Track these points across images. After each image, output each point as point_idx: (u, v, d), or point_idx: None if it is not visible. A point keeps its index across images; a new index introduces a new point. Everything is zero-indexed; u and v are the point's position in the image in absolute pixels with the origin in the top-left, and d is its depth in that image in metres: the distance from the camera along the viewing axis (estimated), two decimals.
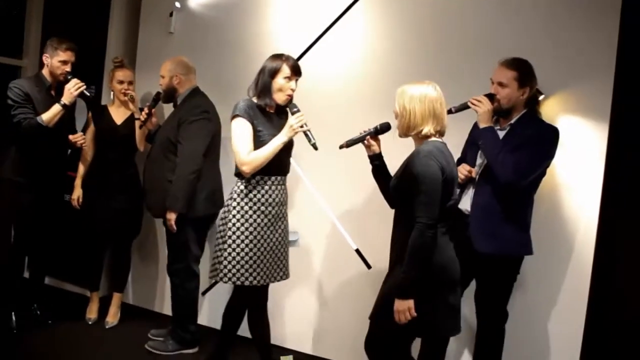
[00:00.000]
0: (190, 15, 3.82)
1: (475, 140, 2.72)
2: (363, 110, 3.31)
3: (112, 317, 3.72)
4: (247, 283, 2.75)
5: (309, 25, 3.49)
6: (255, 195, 2.75)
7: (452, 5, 3.15)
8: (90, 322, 3.70)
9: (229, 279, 2.75)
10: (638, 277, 3.03)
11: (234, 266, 2.74)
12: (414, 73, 3.13)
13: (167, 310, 3.63)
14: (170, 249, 3.37)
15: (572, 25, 2.89)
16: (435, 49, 3.17)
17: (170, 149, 3.24)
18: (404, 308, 2.27)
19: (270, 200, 2.78)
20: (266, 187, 2.77)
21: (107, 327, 3.66)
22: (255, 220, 2.74)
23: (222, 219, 2.84)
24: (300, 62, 3.43)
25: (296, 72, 2.77)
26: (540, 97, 2.88)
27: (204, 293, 3.76)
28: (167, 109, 3.58)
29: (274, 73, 2.74)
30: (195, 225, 3.32)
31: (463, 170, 2.71)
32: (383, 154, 2.62)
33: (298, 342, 3.55)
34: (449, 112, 2.65)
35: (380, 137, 2.61)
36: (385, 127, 2.57)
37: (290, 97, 2.77)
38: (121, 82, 3.55)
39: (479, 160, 2.75)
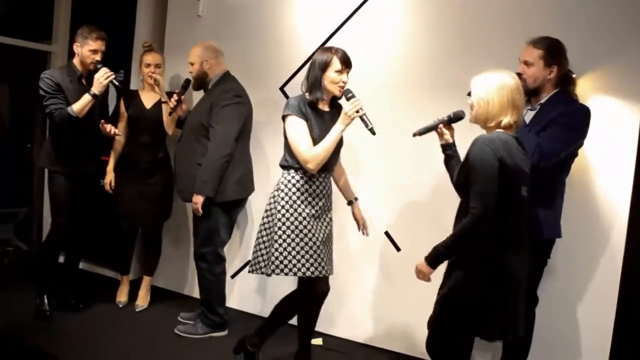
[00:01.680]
0: None
1: None
2: (395, 94, 3.28)
3: (142, 301, 3.75)
4: (299, 274, 2.71)
5: (340, 9, 3.44)
6: (302, 186, 2.72)
7: None
8: (120, 306, 3.73)
9: (281, 270, 2.69)
10: None
11: (285, 257, 2.69)
12: (448, 56, 3.15)
13: (197, 293, 3.64)
14: (199, 233, 3.36)
15: (604, 2, 2.82)
16: (469, 29, 3.12)
17: (203, 133, 3.23)
18: (426, 271, 2.29)
19: (317, 191, 2.75)
20: (313, 179, 2.74)
21: (137, 310, 3.69)
22: (304, 210, 2.71)
23: (267, 210, 2.80)
24: (331, 44, 3.40)
25: (347, 64, 2.69)
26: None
27: (233, 276, 3.77)
28: (197, 95, 3.57)
29: (325, 67, 2.66)
30: (226, 210, 3.32)
31: None
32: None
33: (327, 325, 3.53)
34: (469, 94, 2.63)
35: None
36: (458, 116, 2.50)
37: (342, 89, 2.70)
38: (148, 66, 3.55)
39: None
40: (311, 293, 2.85)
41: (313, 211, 2.73)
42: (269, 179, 3.59)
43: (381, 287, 3.38)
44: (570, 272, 2.92)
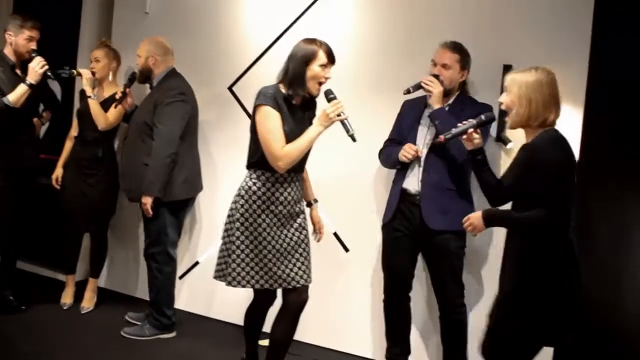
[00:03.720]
0: None
1: (432, 120, 2.77)
2: (344, 92, 3.25)
3: (88, 302, 3.67)
4: (257, 286, 2.56)
5: (289, 8, 3.43)
6: (264, 193, 2.52)
7: None
8: (65, 308, 3.65)
9: (238, 282, 2.54)
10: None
11: (243, 269, 2.53)
12: (395, 53, 3.18)
13: (144, 294, 3.60)
14: (148, 233, 3.33)
15: (546, 8, 2.90)
16: (415, 27, 3.16)
17: (147, 131, 3.19)
18: (478, 226, 2.26)
19: (281, 198, 2.55)
20: (277, 185, 2.54)
21: (82, 312, 3.62)
22: (263, 221, 2.53)
23: (228, 216, 2.63)
24: (280, 45, 3.42)
25: (332, 59, 2.52)
26: None
27: (181, 277, 3.73)
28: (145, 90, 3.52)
29: (309, 60, 2.47)
30: (173, 209, 3.29)
31: (410, 150, 2.78)
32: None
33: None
34: (407, 92, 2.79)
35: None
36: (490, 118, 2.39)
37: (320, 86, 2.54)
38: (90, 60, 3.54)
39: (422, 139, 2.82)
40: (260, 300, 2.77)
41: (275, 220, 2.55)
42: (215, 178, 3.58)
43: (328, 287, 3.38)
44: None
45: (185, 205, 3.41)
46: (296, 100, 2.55)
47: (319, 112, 2.59)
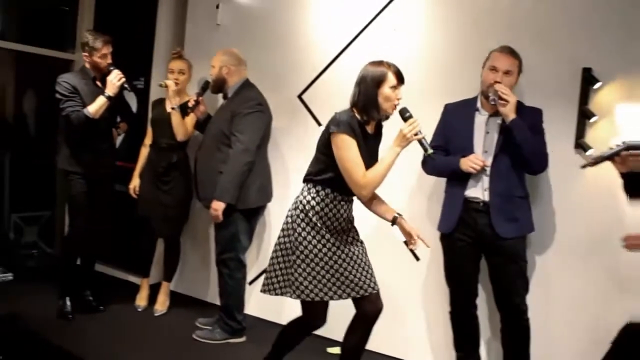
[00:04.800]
0: (237, 7, 3.85)
1: (511, 130, 2.65)
2: (414, 100, 3.23)
3: (161, 305, 3.79)
4: (336, 298, 2.53)
5: (357, 14, 3.44)
6: (322, 209, 2.52)
7: None
8: (139, 310, 3.78)
9: (307, 295, 2.50)
10: None
11: (310, 282, 2.50)
12: (466, 62, 3.09)
13: (215, 299, 3.67)
14: (220, 239, 3.39)
15: (626, 5, 2.76)
16: (488, 36, 3.04)
17: (223, 140, 3.26)
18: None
19: (337, 215, 2.55)
20: (335, 202, 2.54)
21: (155, 314, 3.74)
22: (326, 233, 2.52)
23: (284, 229, 2.60)
24: (348, 53, 3.45)
25: (401, 79, 2.48)
26: (597, 85, 2.80)
27: (250, 283, 3.79)
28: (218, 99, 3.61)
29: (379, 83, 2.44)
30: (246, 216, 3.35)
31: (477, 161, 2.71)
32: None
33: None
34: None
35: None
36: None
37: (395, 108, 2.50)
38: (171, 72, 3.64)
39: (480, 146, 2.76)
40: (310, 323, 2.69)
41: (334, 232, 2.55)
42: (287, 186, 3.62)
43: (399, 296, 3.33)
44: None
45: (258, 212, 3.46)
46: (370, 126, 2.54)
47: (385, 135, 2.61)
